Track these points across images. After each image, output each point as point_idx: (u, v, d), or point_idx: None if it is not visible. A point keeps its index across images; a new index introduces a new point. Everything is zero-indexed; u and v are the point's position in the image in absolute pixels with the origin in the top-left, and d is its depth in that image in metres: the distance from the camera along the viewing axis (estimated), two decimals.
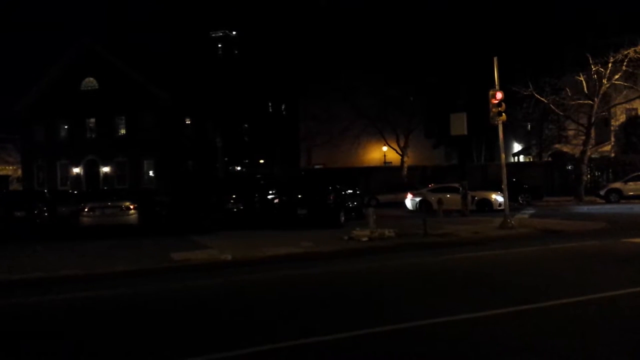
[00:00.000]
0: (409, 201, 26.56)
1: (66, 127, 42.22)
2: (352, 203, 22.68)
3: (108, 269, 11.59)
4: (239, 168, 45.63)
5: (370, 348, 5.78)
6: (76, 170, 41.50)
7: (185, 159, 41.17)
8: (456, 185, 24.65)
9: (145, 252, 13.78)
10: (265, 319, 7.17)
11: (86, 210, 19.14)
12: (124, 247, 14.93)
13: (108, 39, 47.10)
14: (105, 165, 41.20)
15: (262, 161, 47.31)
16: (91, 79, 40.82)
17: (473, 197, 25.00)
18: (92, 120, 41.64)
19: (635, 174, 29.82)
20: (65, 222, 19.80)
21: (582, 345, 5.59)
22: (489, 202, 24.98)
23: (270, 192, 21.25)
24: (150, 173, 41.07)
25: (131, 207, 19.08)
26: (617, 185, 29.93)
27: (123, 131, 41.35)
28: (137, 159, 40.64)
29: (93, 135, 41.75)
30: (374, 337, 6.13)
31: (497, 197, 24.58)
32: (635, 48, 28.54)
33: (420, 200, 25.69)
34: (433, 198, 24.70)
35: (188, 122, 42.87)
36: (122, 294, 9.38)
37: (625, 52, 28.96)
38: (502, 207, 22.52)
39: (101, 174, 41.30)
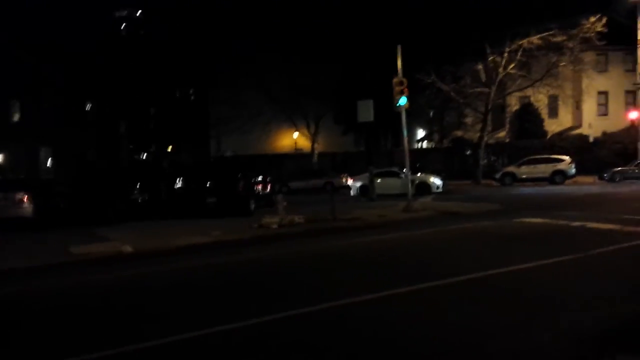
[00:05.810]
0: (352, 186, 27.39)
1: None
2: (263, 190, 22.66)
3: None
4: (145, 156, 44.08)
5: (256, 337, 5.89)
6: None
7: (86, 147, 39.14)
8: (396, 170, 26.43)
9: (41, 246, 13.05)
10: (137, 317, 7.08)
11: None
12: (18, 241, 14.03)
13: None
14: None
15: (169, 149, 45.97)
16: None
17: (413, 181, 26.09)
18: None
19: (528, 158, 31.92)
20: None
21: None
22: (427, 186, 26.14)
23: (178, 180, 20.73)
24: (49, 162, 38.74)
25: (25, 198, 17.91)
26: (511, 169, 31.94)
27: (17, 117, 38.64)
28: (33, 147, 38.16)
29: None
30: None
31: (435, 181, 26.57)
32: (529, 39, 30.46)
33: (360, 185, 26.51)
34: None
35: (88, 107, 40.73)
36: (9, 293, 8.92)
37: (520, 43, 30.82)
38: (439, 190, 25.81)
39: None
